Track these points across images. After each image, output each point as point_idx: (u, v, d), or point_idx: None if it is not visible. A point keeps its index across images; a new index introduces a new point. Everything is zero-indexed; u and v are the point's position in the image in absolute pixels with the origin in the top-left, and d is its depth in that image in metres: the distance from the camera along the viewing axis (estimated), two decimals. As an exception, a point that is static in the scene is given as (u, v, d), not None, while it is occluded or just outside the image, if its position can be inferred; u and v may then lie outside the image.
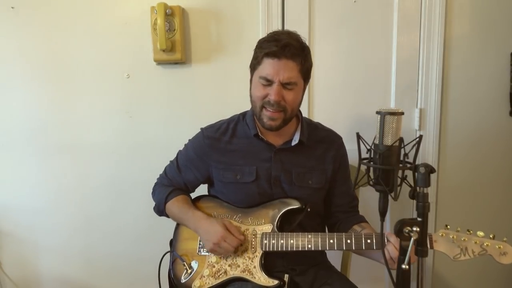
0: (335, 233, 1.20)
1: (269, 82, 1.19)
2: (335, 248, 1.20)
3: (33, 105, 1.92)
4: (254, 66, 1.24)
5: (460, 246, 1.09)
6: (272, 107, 1.21)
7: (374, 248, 1.16)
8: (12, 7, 1.85)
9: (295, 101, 1.24)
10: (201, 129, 1.40)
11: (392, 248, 1.09)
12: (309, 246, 1.20)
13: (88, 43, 1.86)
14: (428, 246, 1.01)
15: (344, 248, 1.19)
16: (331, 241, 1.19)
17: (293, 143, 1.31)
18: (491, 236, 1.09)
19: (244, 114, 1.39)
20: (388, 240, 1.12)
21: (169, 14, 1.74)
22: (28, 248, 2.03)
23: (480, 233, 1.09)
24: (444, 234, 1.10)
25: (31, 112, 1.92)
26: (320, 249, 1.20)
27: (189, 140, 1.44)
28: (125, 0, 1.83)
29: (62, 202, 1.99)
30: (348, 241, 1.19)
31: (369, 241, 1.16)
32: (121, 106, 1.90)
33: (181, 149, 1.45)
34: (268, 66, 1.18)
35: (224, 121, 1.41)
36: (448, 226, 1.12)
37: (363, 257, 1.31)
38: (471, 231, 1.10)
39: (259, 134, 1.31)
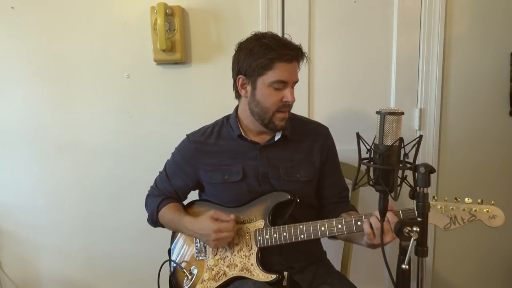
0: (325, 220, 1.21)
1: (283, 85, 1.22)
2: (327, 235, 1.20)
3: (33, 105, 1.92)
4: (258, 72, 1.22)
5: (449, 215, 1.09)
6: (287, 108, 1.26)
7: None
8: (12, 7, 1.85)
9: None
10: (187, 135, 1.42)
11: (375, 220, 1.10)
12: (302, 236, 1.21)
13: (88, 43, 1.86)
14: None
15: (336, 233, 1.19)
16: (323, 228, 1.20)
17: (276, 138, 1.32)
18: (479, 201, 1.08)
19: (227, 118, 1.41)
20: (372, 214, 1.13)
21: (169, 14, 1.75)
22: (28, 248, 2.03)
23: (469, 200, 1.09)
24: (432, 206, 1.09)
25: (31, 112, 1.93)
26: (312, 237, 1.21)
27: (175, 148, 1.45)
28: (125, 0, 1.83)
29: (62, 202, 1.99)
30: (339, 225, 1.19)
31: (359, 223, 1.16)
32: (121, 106, 1.90)
33: (169, 158, 1.46)
34: (283, 70, 1.21)
35: (208, 125, 1.43)
36: (435, 198, 1.11)
37: (362, 256, 1.31)
38: (459, 199, 1.09)
39: (243, 134, 1.32)
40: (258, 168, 1.31)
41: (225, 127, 1.38)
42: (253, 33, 1.28)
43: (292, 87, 1.25)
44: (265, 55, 1.20)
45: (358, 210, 1.66)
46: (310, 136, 1.37)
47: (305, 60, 1.27)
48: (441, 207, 1.09)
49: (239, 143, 1.33)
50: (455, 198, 1.09)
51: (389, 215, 1.11)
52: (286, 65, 1.21)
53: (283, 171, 1.31)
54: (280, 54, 1.19)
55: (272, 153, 1.32)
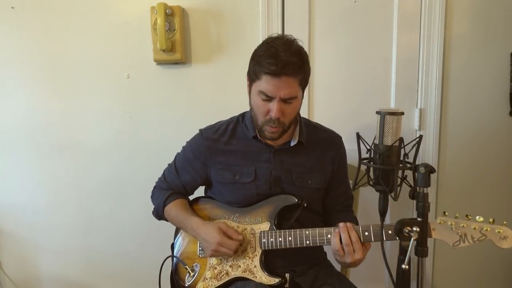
0: (332, 228, 1.20)
1: (269, 98, 1.17)
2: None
3: (33, 105, 1.92)
4: (252, 78, 1.20)
5: (459, 232, 1.08)
6: (273, 124, 1.20)
7: (373, 240, 1.16)
8: (12, 7, 1.85)
9: (294, 112, 1.23)
10: (200, 130, 1.40)
11: (345, 236, 1.13)
12: (307, 242, 1.20)
13: (88, 43, 1.86)
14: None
15: None
16: (329, 236, 1.19)
17: (292, 143, 1.31)
18: (490, 220, 1.07)
19: (243, 116, 1.39)
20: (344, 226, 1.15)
21: (169, 14, 1.75)
22: (28, 248, 2.03)
23: (480, 218, 1.07)
24: (442, 222, 1.09)
25: (31, 112, 1.93)
26: (318, 244, 1.20)
27: (187, 142, 1.43)
28: (125, 0, 1.83)
29: (62, 202, 1.99)
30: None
31: (366, 233, 1.16)
32: (121, 106, 1.90)
33: (179, 151, 1.45)
34: (267, 83, 1.14)
35: (223, 122, 1.41)
36: (446, 213, 1.10)
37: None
38: (470, 216, 1.08)
39: (258, 136, 1.31)
40: (271, 171, 1.30)
41: (240, 126, 1.36)
42: (275, 34, 1.22)
43: (285, 102, 1.17)
44: (256, 63, 1.16)
45: (358, 210, 1.67)
46: (324, 144, 1.36)
47: (302, 74, 1.16)
48: (451, 224, 1.08)
49: (253, 144, 1.32)
50: (466, 215, 1.08)
51: (352, 234, 1.14)
52: (272, 79, 1.13)
53: (295, 176, 1.31)
54: (263, 66, 1.13)
55: (285, 157, 1.31)
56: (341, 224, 1.16)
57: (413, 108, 1.86)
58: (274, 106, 1.16)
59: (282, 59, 1.11)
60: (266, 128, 1.22)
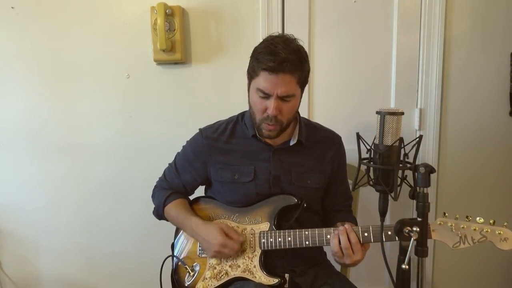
0: (331, 228, 1.20)
1: (266, 95, 1.17)
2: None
3: (33, 105, 1.92)
4: (251, 75, 1.21)
5: (459, 234, 1.07)
6: (270, 121, 1.20)
7: (372, 241, 1.16)
8: (12, 7, 1.85)
9: (292, 111, 1.23)
10: (200, 129, 1.40)
11: (344, 238, 1.13)
12: (307, 242, 1.21)
13: (88, 43, 1.86)
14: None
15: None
16: (328, 236, 1.19)
17: (292, 143, 1.32)
18: (491, 222, 1.06)
19: (242, 115, 1.39)
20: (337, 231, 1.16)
21: (169, 14, 1.75)
22: (28, 248, 2.03)
23: (480, 220, 1.06)
24: (442, 223, 1.08)
25: (31, 112, 1.93)
26: (317, 245, 1.20)
27: (187, 141, 1.43)
28: (125, 0, 1.83)
29: (62, 202, 1.99)
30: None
31: (366, 234, 1.16)
32: (121, 106, 1.90)
33: (179, 151, 1.45)
34: (265, 80, 1.15)
35: (222, 121, 1.41)
36: (446, 214, 1.10)
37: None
38: (470, 218, 1.07)
39: (257, 135, 1.31)
40: (270, 170, 1.30)
41: (239, 125, 1.37)
42: (276, 33, 1.23)
43: (283, 100, 1.17)
44: (255, 59, 1.17)
45: (358, 211, 1.67)
46: (323, 144, 1.37)
47: (300, 72, 1.16)
48: (451, 225, 1.07)
49: (252, 143, 1.32)
50: (466, 217, 1.07)
51: (351, 236, 1.14)
52: (269, 75, 1.13)
53: (294, 176, 1.31)
54: (261, 62, 1.14)
55: (285, 157, 1.31)
56: (340, 227, 1.16)
57: (413, 108, 1.86)
58: (271, 103, 1.17)
59: (280, 56, 1.12)
60: (264, 126, 1.22)
